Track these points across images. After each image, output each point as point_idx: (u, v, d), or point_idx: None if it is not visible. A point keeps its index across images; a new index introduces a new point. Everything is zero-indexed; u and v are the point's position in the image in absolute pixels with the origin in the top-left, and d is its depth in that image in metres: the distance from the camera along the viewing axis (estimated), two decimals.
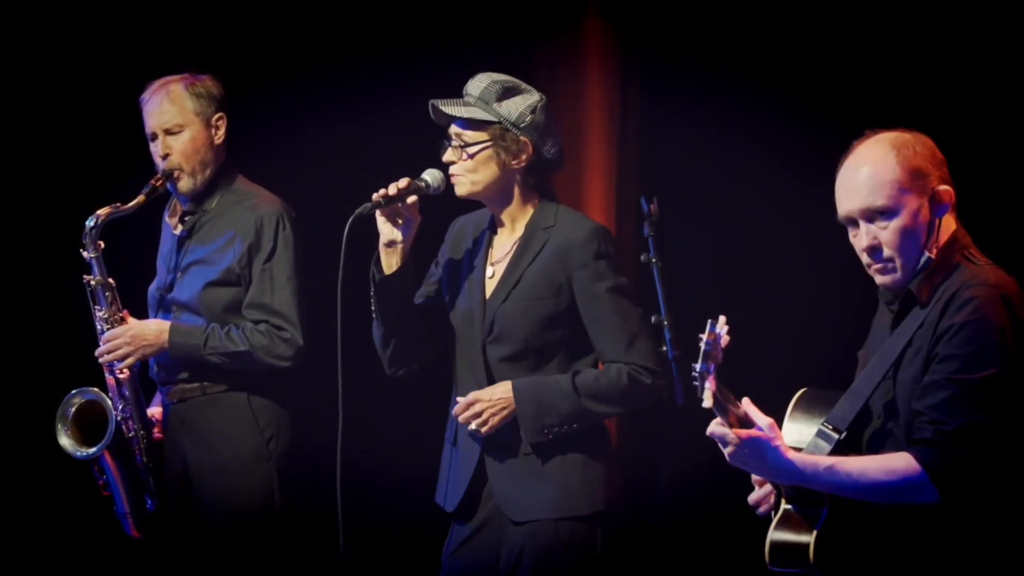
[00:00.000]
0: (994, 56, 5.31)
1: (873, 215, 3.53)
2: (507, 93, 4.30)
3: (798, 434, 3.64)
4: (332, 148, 6.12)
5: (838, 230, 3.65)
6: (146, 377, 5.08)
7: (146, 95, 5.00)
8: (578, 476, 4.25)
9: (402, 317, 4.36)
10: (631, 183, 6.02)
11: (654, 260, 3.80)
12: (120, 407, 4.98)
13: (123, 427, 4.99)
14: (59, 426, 5.00)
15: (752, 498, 3.73)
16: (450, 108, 4.29)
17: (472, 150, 4.29)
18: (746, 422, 3.48)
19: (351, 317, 4.58)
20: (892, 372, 3.55)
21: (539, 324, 4.28)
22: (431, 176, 4.32)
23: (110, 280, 4.98)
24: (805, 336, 5.50)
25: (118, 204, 4.95)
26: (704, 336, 3.39)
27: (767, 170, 5.63)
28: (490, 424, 4.22)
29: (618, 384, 4.23)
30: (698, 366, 3.39)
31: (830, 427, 3.57)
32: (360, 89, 6.12)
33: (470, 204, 4.45)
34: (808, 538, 3.52)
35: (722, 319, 3.40)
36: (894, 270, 3.54)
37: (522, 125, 4.29)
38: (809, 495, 3.53)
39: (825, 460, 3.48)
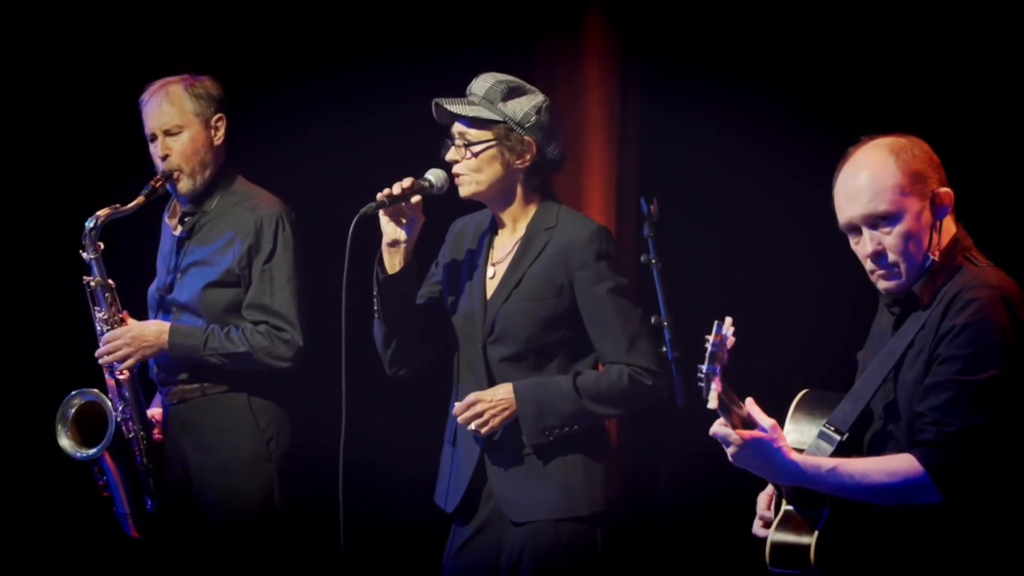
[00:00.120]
0: (993, 56, 5.30)
1: (876, 221, 3.53)
2: (512, 93, 4.31)
3: (799, 435, 3.64)
4: (332, 148, 6.12)
5: (837, 231, 3.64)
6: (146, 378, 5.08)
7: (145, 96, 5.00)
8: (578, 477, 4.25)
9: (404, 317, 4.36)
10: (631, 183, 6.02)
11: (654, 261, 3.80)
12: (120, 408, 4.98)
13: (123, 428, 4.99)
14: (59, 427, 5.00)
15: (757, 532, 3.74)
16: (455, 106, 4.28)
17: (476, 149, 4.29)
18: (749, 423, 3.48)
19: (352, 317, 4.58)
20: (893, 374, 3.55)
21: (540, 324, 4.28)
22: (435, 176, 4.32)
23: (110, 281, 4.98)
24: (805, 336, 5.50)
25: (117, 205, 4.95)
26: (710, 337, 3.39)
27: (767, 170, 5.63)
28: (491, 425, 4.22)
29: (619, 385, 4.23)
30: (704, 367, 3.39)
31: (831, 428, 3.57)
32: (360, 89, 6.12)
33: (471, 205, 4.44)
34: (809, 539, 3.53)
35: (728, 320, 3.40)
36: (898, 275, 3.54)
37: (527, 125, 4.29)
38: (810, 496, 3.54)
39: (828, 461, 3.48)
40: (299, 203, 5.12)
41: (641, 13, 5.97)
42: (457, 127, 4.31)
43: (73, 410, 5.00)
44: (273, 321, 4.89)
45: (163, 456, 5.03)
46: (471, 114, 4.28)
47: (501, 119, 4.28)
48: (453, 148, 4.32)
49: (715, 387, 3.39)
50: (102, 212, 4.94)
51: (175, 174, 4.98)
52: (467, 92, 4.35)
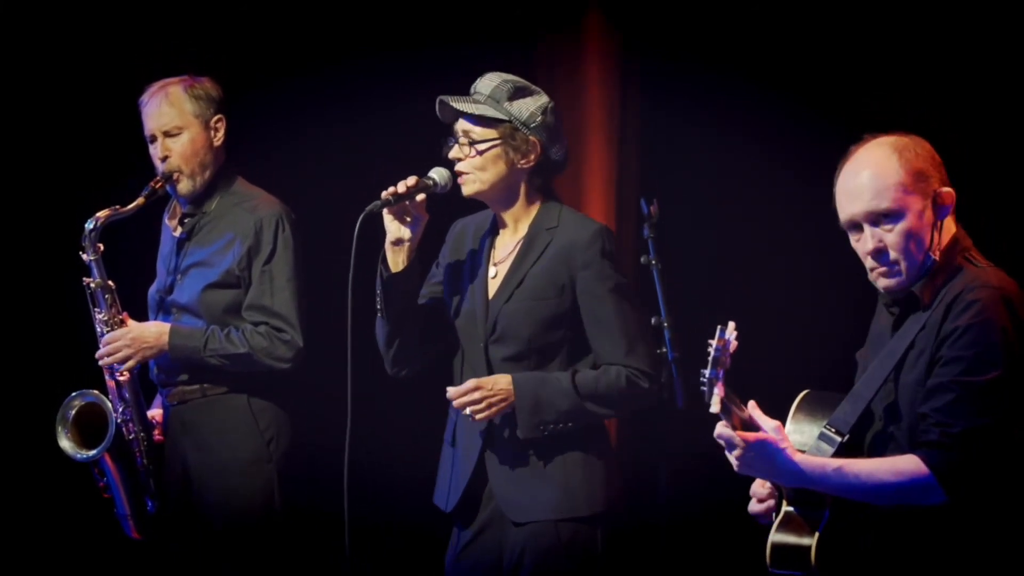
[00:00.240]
0: (993, 56, 5.30)
1: (878, 218, 3.53)
2: (518, 93, 4.31)
3: (800, 436, 3.64)
4: (332, 148, 6.12)
5: (838, 230, 3.64)
6: (146, 379, 5.08)
7: (145, 97, 5.00)
8: (578, 477, 4.25)
9: (407, 316, 4.36)
10: (631, 184, 6.01)
11: (654, 262, 3.81)
12: (120, 409, 4.98)
13: (123, 429, 4.99)
14: (59, 428, 4.99)
15: (754, 490, 3.73)
16: (461, 104, 4.28)
17: (481, 147, 4.28)
18: (750, 426, 3.48)
19: (353, 317, 4.58)
20: (894, 375, 3.55)
21: (542, 324, 4.28)
22: (438, 174, 4.31)
23: (110, 282, 4.97)
24: (805, 336, 5.50)
25: (117, 206, 4.95)
26: (713, 342, 3.39)
27: (767, 170, 5.63)
28: (487, 413, 4.20)
29: (616, 386, 4.23)
30: (707, 372, 3.39)
31: (832, 430, 3.57)
32: (360, 89, 6.12)
33: (472, 205, 4.44)
34: (810, 540, 3.52)
35: (731, 325, 3.40)
36: (899, 273, 3.54)
37: (532, 125, 4.29)
38: (811, 497, 3.54)
39: (833, 462, 3.48)
40: (299, 203, 5.12)
41: (641, 13, 5.97)
42: (461, 125, 4.31)
43: (73, 411, 5.00)
44: (273, 322, 4.89)
45: (163, 457, 5.03)
46: (477, 112, 4.28)
47: (507, 118, 4.28)
48: (457, 146, 4.31)
49: (718, 392, 3.39)
50: (102, 213, 4.93)
51: (175, 175, 4.98)
52: (472, 91, 4.34)
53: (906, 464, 3.43)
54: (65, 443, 5.00)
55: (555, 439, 4.26)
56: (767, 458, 3.45)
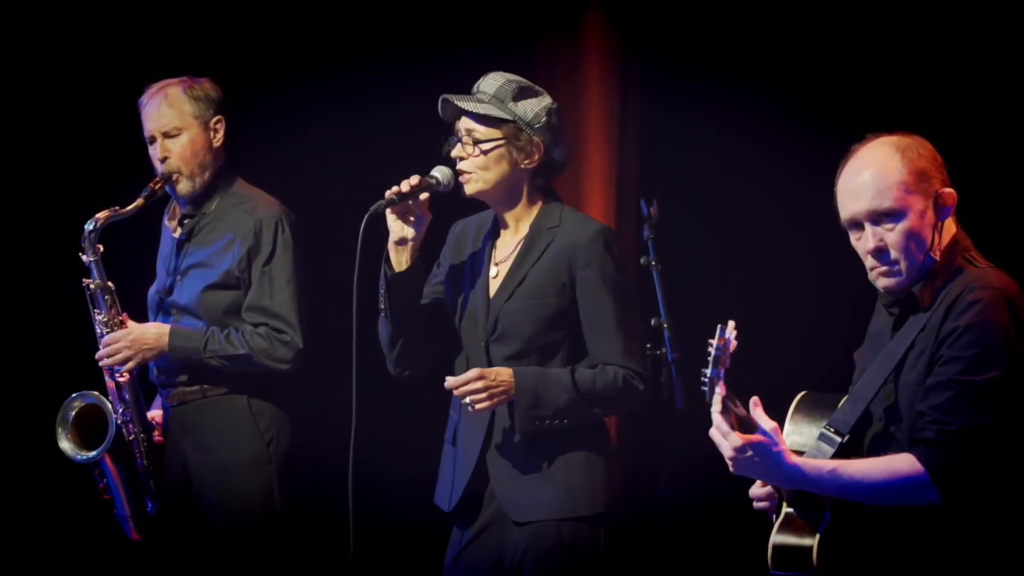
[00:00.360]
0: (993, 56, 5.30)
1: (880, 217, 3.52)
2: (523, 93, 4.30)
3: (800, 437, 3.64)
4: (332, 148, 6.12)
5: (838, 230, 3.64)
6: (146, 380, 5.08)
7: (144, 98, 5.00)
8: (580, 477, 4.25)
9: (410, 316, 4.36)
10: (631, 184, 6.01)
11: (654, 263, 3.81)
12: (120, 410, 4.98)
13: (123, 430, 4.99)
14: (59, 430, 4.99)
15: (753, 492, 3.73)
16: (466, 103, 4.27)
17: (486, 147, 4.28)
18: (749, 426, 3.48)
19: (350, 318, 4.57)
20: (894, 376, 3.54)
21: (543, 323, 4.28)
22: (441, 173, 4.31)
23: (109, 284, 4.97)
24: (805, 336, 5.50)
25: (117, 207, 4.95)
26: (714, 341, 3.39)
27: (767, 170, 5.63)
28: (487, 404, 4.18)
29: (614, 386, 4.23)
30: (708, 371, 3.39)
31: (832, 430, 3.57)
32: (360, 89, 6.12)
33: (473, 204, 4.44)
34: (811, 541, 3.52)
35: (731, 324, 3.40)
36: (899, 273, 3.53)
37: (536, 126, 4.29)
38: (811, 498, 3.53)
39: (828, 463, 3.48)
40: (299, 203, 5.11)
41: (641, 13, 5.96)
42: (465, 124, 4.30)
43: (73, 413, 5.00)
44: (273, 323, 4.89)
45: (163, 458, 5.03)
46: (482, 111, 4.27)
47: (511, 118, 4.28)
48: (460, 145, 4.30)
49: (719, 391, 3.40)
50: (101, 214, 4.93)
51: (174, 176, 4.98)
52: (475, 90, 4.34)
53: (901, 463, 3.42)
54: (65, 444, 5.00)
55: (556, 438, 4.26)
56: (762, 459, 3.45)
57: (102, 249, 4.97)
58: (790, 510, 3.59)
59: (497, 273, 4.38)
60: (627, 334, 4.25)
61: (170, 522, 5.01)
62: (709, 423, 3.49)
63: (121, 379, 4.96)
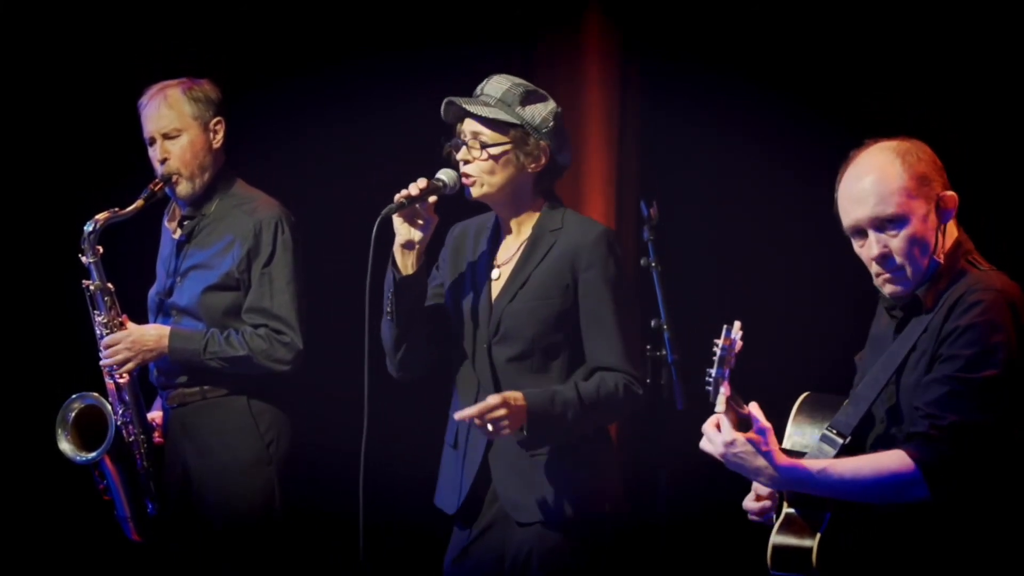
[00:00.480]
0: (993, 57, 5.30)
1: (883, 224, 3.52)
2: (529, 97, 4.30)
3: (801, 438, 3.64)
4: (332, 148, 6.12)
5: (838, 231, 3.64)
6: (146, 381, 5.08)
7: (144, 99, 5.00)
8: (584, 477, 4.26)
9: (415, 319, 4.35)
10: (631, 184, 6.01)
11: (654, 264, 3.81)
12: (120, 412, 4.98)
13: (123, 432, 4.99)
14: (59, 431, 5.00)
15: (747, 505, 3.73)
16: (474, 107, 4.26)
17: (494, 151, 4.27)
18: (746, 425, 3.48)
19: (352, 319, 4.57)
20: (895, 377, 3.55)
21: (545, 324, 4.28)
22: (447, 176, 4.30)
23: (109, 285, 4.97)
24: (805, 337, 5.50)
25: (116, 209, 4.94)
26: (719, 341, 3.39)
27: (767, 170, 5.63)
28: (510, 430, 4.18)
29: (615, 396, 4.23)
30: (713, 371, 3.39)
31: (834, 432, 3.57)
32: (360, 89, 6.11)
33: (472, 207, 4.43)
34: (811, 542, 3.52)
35: (737, 324, 3.40)
36: (904, 278, 3.54)
37: (544, 130, 4.29)
38: (812, 499, 3.53)
39: (818, 463, 3.48)
40: (299, 204, 5.11)
41: (641, 12, 5.96)
42: (471, 127, 4.29)
43: (73, 414, 5.00)
44: (273, 324, 4.89)
45: (163, 459, 5.03)
46: (491, 116, 4.27)
47: (519, 123, 4.27)
48: (465, 148, 4.30)
49: (723, 391, 3.40)
50: (101, 216, 4.93)
51: (174, 177, 4.98)
52: (479, 92, 4.32)
53: (890, 459, 3.42)
54: (65, 445, 5.00)
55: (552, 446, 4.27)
56: (751, 457, 3.45)
57: (102, 250, 4.97)
58: (790, 510, 3.59)
59: (499, 275, 4.38)
60: (626, 337, 4.25)
61: (170, 523, 5.01)
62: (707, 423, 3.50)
63: (121, 380, 4.96)
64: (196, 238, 5.02)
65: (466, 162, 4.29)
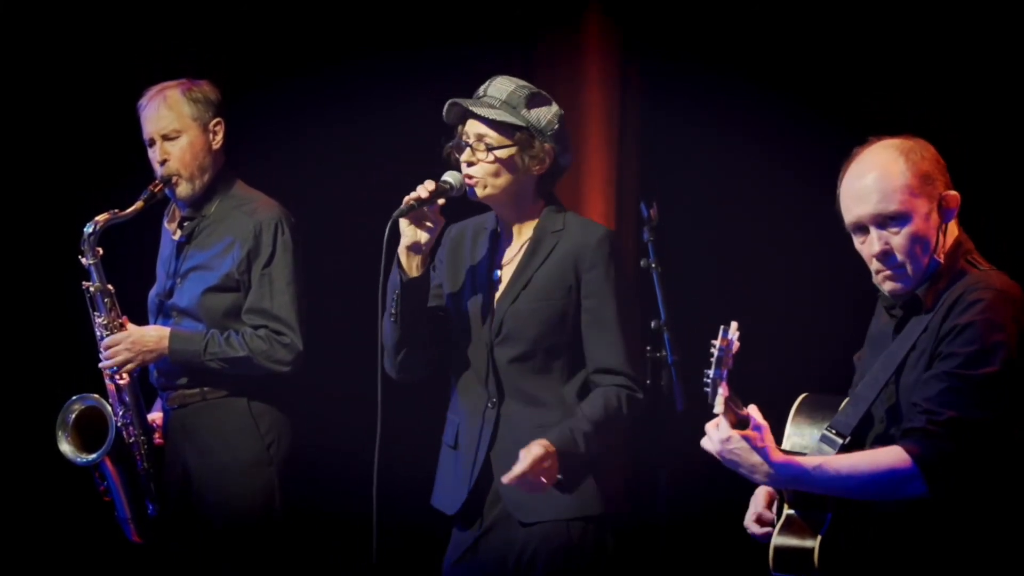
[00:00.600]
0: (993, 56, 5.30)
1: (885, 221, 3.52)
2: (534, 100, 4.30)
3: (801, 439, 3.65)
4: (332, 148, 6.11)
5: (838, 230, 3.64)
6: (146, 382, 5.08)
7: (143, 101, 5.00)
8: (587, 476, 4.26)
9: (418, 321, 4.35)
10: (631, 185, 6.01)
11: (654, 265, 3.81)
12: (120, 413, 4.98)
13: (123, 433, 4.99)
14: (59, 432, 5.00)
15: (749, 526, 3.74)
16: (480, 109, 4.26)
17: (500, 154, 4.27)
18: (743, 424, 3.48)
19: (352, 319, 4.57)
20: (895, 377, 3.55)
21: (548, 325, 4.29)
22: (453, 178, 4.30)
23: (109, 286, 4.97)
24: (805, 337, 5.49)
25: (116, 210, 4.94)
26: (717, 342, 3.39)
27: (767, 170, 5.63)
28: (550, 484, 4.19)
29: (620, 412, 4.24)
30: (711, 372, 3.39)
31: (834, 432, 3.58)
32: (360, 89, 6.11)
33: (474, 207, 4.43)
34: (812, 543, 3.53)
35: (734, 325, 3.40)
36: (904, 276, 3.54)
37: (549, 133, 4.29)
38: (812, 500, 3.54)
39: (814, 460, 3.49)
40: (299, 204, 5.11)
41: (641, 12, 5.96)
42: (476, 129, 4.29)
43: (73, 415, 5.00)
44: (273, 325, 4.89)
45: (164, 460, 5.03)
46: (498, 118, 4.27)
47: (524, 125, 4.28)
48: (469, 150, 4.30)
49: (722, 392, 3.40)
50: (101, 217, 4.93)
51: (173, 179, 4.98)
52: (482, 93, 4.32)
53: (887, 455, 3.43)
54: (65, 447, 5.00)
55: None
56: (747, 453, 3.45)
57: (102, 252, 4.96)
58: (791, 512, 3.60)
59: (501, 276, 4.38)
60: (627, 339, 4.26)
61: (170, 524, 5.01)
62: (709, 423, 3.50)
63: (121, 382, 4.96)
64: (196, 239, 5.02)
65: (470, 163, 4.29)
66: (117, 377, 4.96)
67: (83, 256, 4.95)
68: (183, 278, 5.00)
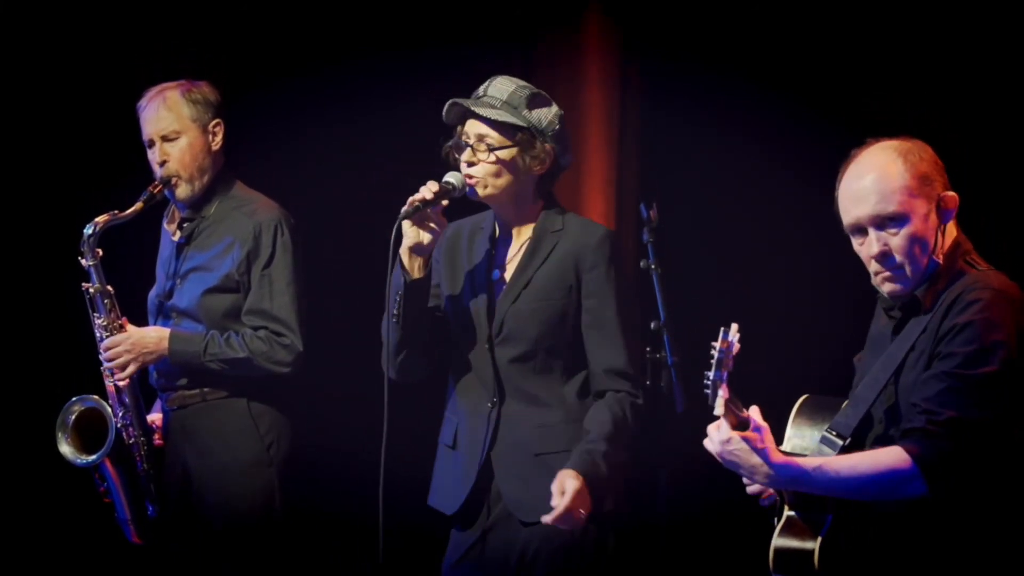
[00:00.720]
0: (993, 57, 5.30)
1: (884, 222, 3.52)
2: (535, 100, 4.30)
3: (801, 440, 3.65)
4: (332, 148, 6.11)
5: (838, 231, 3.64)
6: (146, 383, 5.08)
7: (143, 102, 5.00)
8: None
9: (420, 322, 4.35)
10: (631, 185, 6.01)
11: (653, 266, 3.81)
12: (120, 414, 4.98)
13: (123, 434, 4.99)
14: (59, 434, 4.99)
15: (752, 489, 3.73)
16: (482, 109, 4.26)
17: (502, 154, 4.27)
18: (744, 426, 3.48)
19: (351, 319, 4.57)
20: (894, 378, 3.56)
21: (549, 324, 4.29)
22: (455, 178, 4.30)
23: (109, 287, 4.97)
24: (805, 338, 5.49)
25: (116, 211, 4.94)
26: (717, 344, 3.39)
27: (767, 170, 5.63)
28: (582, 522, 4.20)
29: (627, 423, 4.25)
30: (711, 374, 3.39)
31: (834, 433, 3.58)
32: (360, 89, 6.11)
33: (472, 206, 4.44)
34: (813, 544, 3.53)
35: (734, 327, 3.40)
36: (904, 277, 3.54)
37: (550, 134, 4.30)
38: (812, 502, 3.54)
39: (814, 460, 3.49)
40: (299, 204, 5.11)
41: (641, 12, 5.96)
42: (476, 129, 4.29)
43: (73, 416, 5.00)
44: (273, 326, 4.89)
45: (164, 462, 5.03)
46: (499, 118, 4.27)
47: (526, 125, 4.28)
48: (470, 150, 4.29)
49: (722, 394, 3.40)
50: (100, 219, 4.93)
51: (173, 180, 4.97)
52: (482, 93, 4.32)
53: (887, 455, 3.43)
54: (65, 448, 5.00)
55: (564, 439, 4.28)
56: (747, 454, 3.45)
57: (101, 253, 4.96)
58: (791, 513, 3.60)
59: (500, 276, 4.38)
60: (628, 340, 4.27)
61: (170, 525, 5.01)
62: (709, 424, 3.50)
63: (121, 383, 4.96)
64: (196, 240, 5.02)
65: (470, 163, 4.29)
66: (117, 378, 4.95)
67: (83, 257, 4.95)
68: (183, 279, 5.00)
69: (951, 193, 3.56)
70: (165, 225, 5.15)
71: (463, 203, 4.36)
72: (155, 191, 4.97)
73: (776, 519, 3.66)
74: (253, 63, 6.11)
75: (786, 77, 5.62)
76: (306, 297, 4.96)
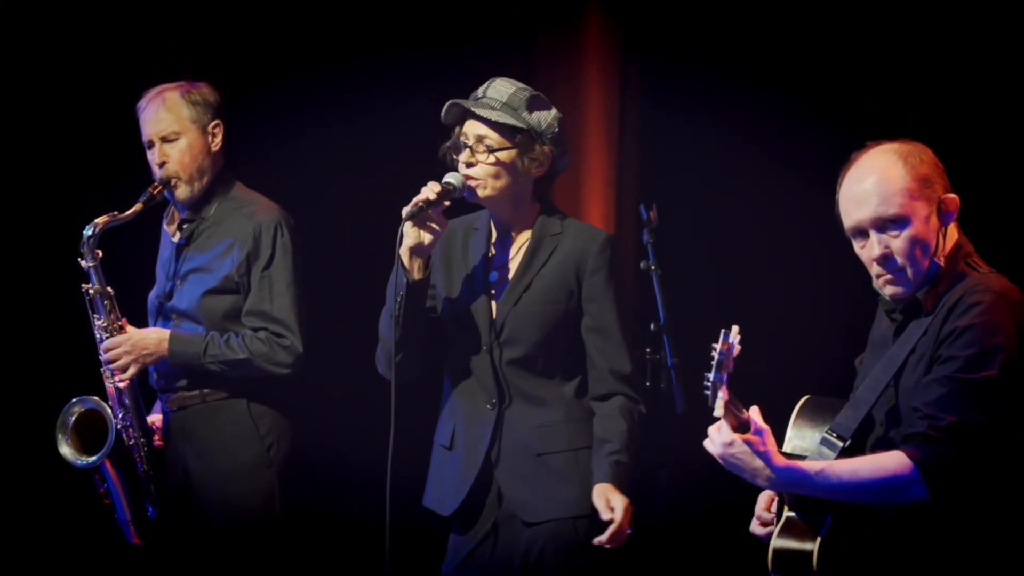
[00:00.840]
0: (993, 57, 5.29)
1: (885, 224, 3.52)
2: (534, 102, 4.31)
3: (802, 441, 3.65)
4: (332, 148, 6.11)
5: (838, 232, 3.64)
6: (146, 384, 5.07)
7: (142, 103, 4.99)
8: (588, 475, 4.26)
9: (420, 322, 4.35)
10: (630, 185, 6.01)
11: (653, 267, 3.81)
12: (120, 415, 4.98)
13: (123, 435, 4.98)
14: (59, 435, 4.99)
15: (758, 532, 3.75)
16: (482, 111, 4.27)
17: (501, 155, 4.27)
18: (744, 428, 3.48)
19: (351, 319, 4.57)
20: (895, 380, 3.55)
21: (550, 328, 4.29)
22: (455, 179, 4.30)
23: (109, 289, 4.96)
24: (805, 339, 5.49)
25: (116, 213, 4.94)
26: (717, 346, 3.39)
27: (767, 170, 5.63)
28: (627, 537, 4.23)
29: (636, 430, 4.27)
30: (711, 375, 3.39)
31: (834, 435, 3.58)
32: (360, 89, 6.11)
33: (467, 207, 4.44)
34: (812, 545, 3.53)
35: (735, 328, 3.40)
36: (905, 280, 3.54)
37: (549, 136, 4.30)
38: (812, 503, 3.54)
39: (816, 464, 3.48)
40: (299, 204, 5.11)
41: (641, 12, 5.96)
42: (476, 130, 4.29)
43: (73, 418, 4.99)
44: (272, 327, 4.88)
45: (164, 463, 5.03)
46: (499, 120, 4.27)
47: (525, 127, 4.28)
48: (469, 150, 4.29)
49: (722, 395, 3.40)
50: (100, 220, 4.92)
51: (173, 181, 4.97)
52: (481, 94, 4.32)
53: (889, 460, 3.43)
54: (65, 450, 4.99)
55: (566, 439, 4.29)
56: (749, 457, 3.45)
57: (101, 254, 4.96)
58: (791, 514, 3.60)
59: (498, 277, 4.38)
60: (627, 343, 4.28)
61: (171, 526, 5.01)
62: (709, 425, 3.50)
63: (121, 384, 4.95)
64: (195, 241, 5.01)
65: (469, 164, 4.29)
66: (117, 379, 4.95)
67: (82, 258, 4.95)
68: (183, 280, 5.00)
69: (952, 195, 3.56)
70: (165, 226, 5.15)
71: (458, 203, 4.36)
72: (155, 192, 4.96)
73: (776, 520, 3.66)
74: (253, 63, 6.11)
75: (786, 77, 5.63)
76: (306, 298, 4.96)
